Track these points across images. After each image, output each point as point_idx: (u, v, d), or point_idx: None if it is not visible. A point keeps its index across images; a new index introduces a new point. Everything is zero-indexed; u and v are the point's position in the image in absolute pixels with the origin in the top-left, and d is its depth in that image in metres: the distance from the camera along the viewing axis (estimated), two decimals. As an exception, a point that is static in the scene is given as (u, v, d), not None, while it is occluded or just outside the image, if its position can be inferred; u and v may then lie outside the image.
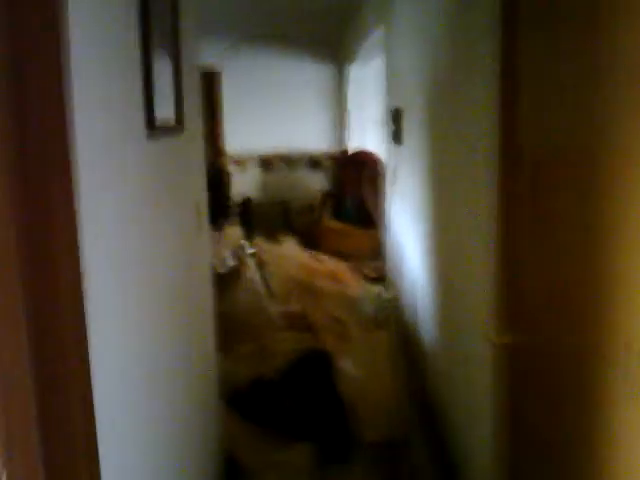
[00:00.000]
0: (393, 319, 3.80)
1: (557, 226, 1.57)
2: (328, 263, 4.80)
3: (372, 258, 5.68)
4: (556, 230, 1.58)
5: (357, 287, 4.52)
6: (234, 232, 4.44)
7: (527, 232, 1.77)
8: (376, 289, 4.35)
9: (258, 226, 6.32)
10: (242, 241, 3.98)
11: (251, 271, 3.70)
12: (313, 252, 5.27)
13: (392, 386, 3.20)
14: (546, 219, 1.63)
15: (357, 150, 6.91)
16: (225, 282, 3.63)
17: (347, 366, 3.19)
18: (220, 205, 6.50)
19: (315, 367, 3.26)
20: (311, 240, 6.03)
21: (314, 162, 7.25)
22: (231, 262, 3.68)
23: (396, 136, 4.08)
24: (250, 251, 3.85)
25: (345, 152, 7.21)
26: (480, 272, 2.17)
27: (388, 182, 4.54)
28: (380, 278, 5.19)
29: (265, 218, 6.81)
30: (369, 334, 3.59)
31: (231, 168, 7.10)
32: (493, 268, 1.98)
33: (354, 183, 6.35)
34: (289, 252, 4.56)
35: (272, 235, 5.71)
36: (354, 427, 3.08)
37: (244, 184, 7.16)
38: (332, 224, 6.18)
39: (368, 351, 3.37)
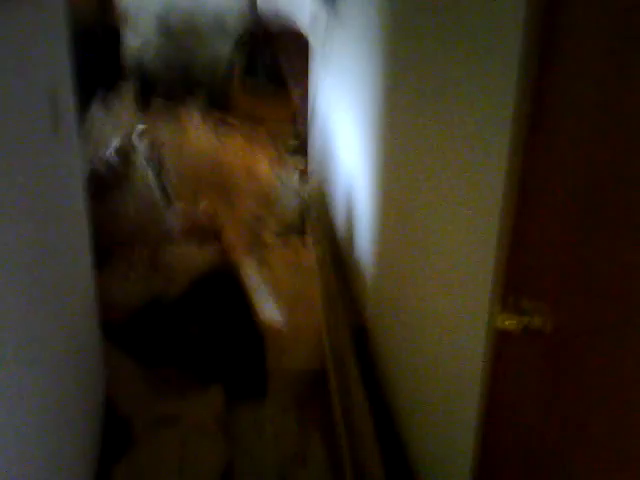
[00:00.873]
0: (321, 226, 3.12)
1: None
2: (239, 139, 4.01)
3: (289, 125, 4.97)
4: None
5: (275, 173, 3.79)
6: (126, 108, 3.54)
7: (554, 164, 1.13)
8: (297, 179, 3.62)
9: (157, 94, 5.42)
10: (136, 127, 3.04)
11: (142, 167, 2.87)
12: (223, 118, 4.45)
13: (320, 312, 2.61)
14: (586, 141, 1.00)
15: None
16: (110, 183, 2.82)
17: (262, 285, 2.56)
18: (112, 72, 5.48)
19: (224, 287, 2.61)
20: (220, 104, 5.23)
21: (221, 25, 6.14)
22: (116, 158, 2.83)
23: (331, 4, 3.19)
24: (141, 140, 2.94)
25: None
26: (473, 216, 1.48)
27: (316, 56, 3.70)
28: (299, 150, 4.50)
29: (166, 84, 5.81)
30: (291, 245, 2.94)
31: (125, 29, 5.94)
32: (497, 216, 1.33)
33: (269, 40, 5.43)
34: (193, 134, 3.69)
35: (174, 102, 4.83)
36: (271, 358, 2.52)
37: (139, 48, 6.03)
38: (244, 82, 5.30)
39: (290, 267, 2.74)
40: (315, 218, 3.23)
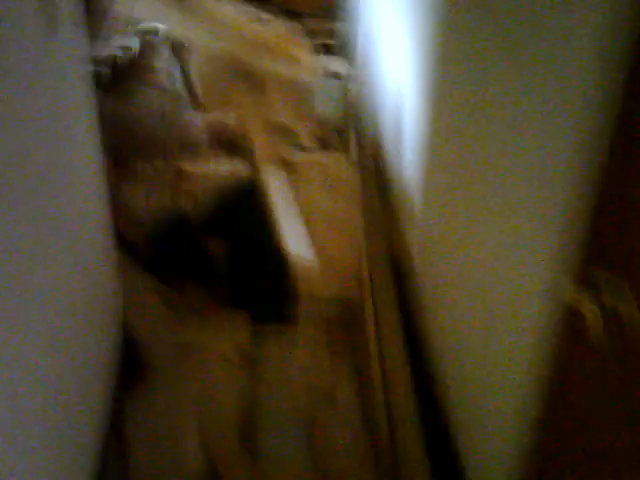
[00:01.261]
0: (363, 141, 2.81)
1: None
2: (273, 38, 3.66)
3: (327, 17, 4.54)
4: None
5: (312, 77, 3.47)
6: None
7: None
8: (337, 85, 3.27)
9: None
10: (153, 24, 2.69)
11: (163, 69, 2.57)
12: (257, 13, 4.07)
13: (358, 238, 2.38)
14: None
15: None
16: (126, 76, 2.54)
17: (291, 212, 2.33)
18: None
19: (252, 206, 2.40)
20: None
21: None
22: (135, 45, 2.54)
23: None
24: (160, 40, 2.63)
25: None
26: (550, 163, 1.20)
27: None
28: (337, 47, 4.12)
29: None
30: (329, 162, 2.66)
31: None
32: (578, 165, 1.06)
33: None
34: (224, 31, 3.32)
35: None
36: (300, 285, 2.34)
37: None
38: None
39: (326, 186, 2.49)
40: (356, 132, 2.94)
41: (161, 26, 2.66)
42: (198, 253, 2.35)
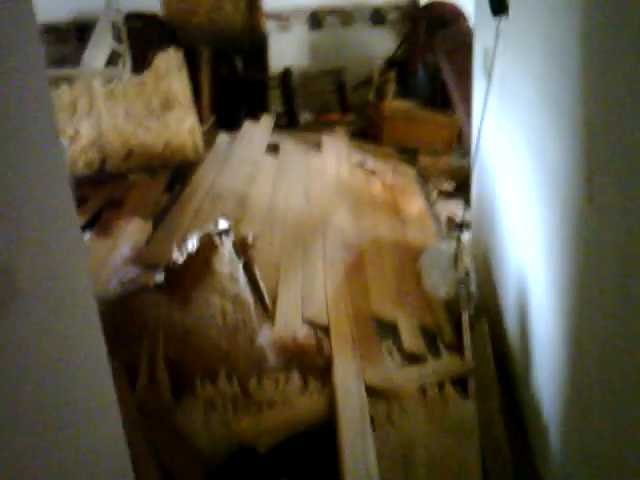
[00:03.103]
0: (485, 334, 2.17)
1: None
2: (380, 194, 3.21)
3: (448, 153, 4.08)
4: None
5: (423, 228, 2.94)
6: (257, 144, 2.90)
7: None
8: (454, 246, 2.69)
9: (302, 106, 5.07)
10: (218, 221, 2.35)
11: (225, 261, 2.17)
12: (363, 162, 3.66)
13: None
14: None
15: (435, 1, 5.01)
16: (183, 280, 2.17)
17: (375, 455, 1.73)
18: (256, 90, 5.01)
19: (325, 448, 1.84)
20: (368, 128, 4.54)
21: (377, 17, 5.33)
22: (193, 245, 2.17)
23: (497, 3, 2.23)
24: (224, 227, 2.26)
25: (418, 3, 5.32)
26: None
27: (478, 67, 2.74)
28: (460, 189, 3.56)
29: (312, 94, 5.28)
30: (434, 363, 2.06)
31: (270, 28, 5.40)
32: None
33: (428, 47, 4.51)
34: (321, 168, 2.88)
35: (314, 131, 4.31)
36: None
37: (286, 49, 5.44)
38: (396, 105, 4.46)
39: (434, 417, 1.88)
40: (473, 318, 2.32)
41: (225, 223, 2.28)
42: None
